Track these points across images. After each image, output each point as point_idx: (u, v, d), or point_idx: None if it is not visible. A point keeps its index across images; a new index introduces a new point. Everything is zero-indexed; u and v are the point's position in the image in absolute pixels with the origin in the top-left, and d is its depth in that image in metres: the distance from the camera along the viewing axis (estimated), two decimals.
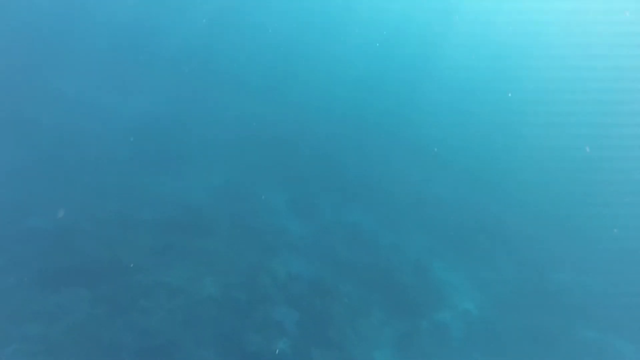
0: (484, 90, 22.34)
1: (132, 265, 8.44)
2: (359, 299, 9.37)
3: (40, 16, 18.44)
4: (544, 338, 9.30)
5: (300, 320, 7.98)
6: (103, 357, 6.57)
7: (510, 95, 20.72)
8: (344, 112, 18.72)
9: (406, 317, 9.10)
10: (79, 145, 12.88)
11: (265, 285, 8.63)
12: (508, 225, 14.03)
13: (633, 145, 17.84)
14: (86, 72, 17.38)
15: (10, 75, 15.11)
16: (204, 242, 9.78)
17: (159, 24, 21.39)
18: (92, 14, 19.92)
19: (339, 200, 13.85)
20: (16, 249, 8.26)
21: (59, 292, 7.51)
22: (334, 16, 25.92)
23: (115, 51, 18.63)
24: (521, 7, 24.82)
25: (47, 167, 11.51)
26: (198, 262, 8.98)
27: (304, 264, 10.15)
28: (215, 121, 16.23)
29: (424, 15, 25.82)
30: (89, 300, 7.50)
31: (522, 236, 13.71)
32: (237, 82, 19.33)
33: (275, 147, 15.24)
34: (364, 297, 9.51)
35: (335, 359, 7.44)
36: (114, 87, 16.63)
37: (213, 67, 20.16)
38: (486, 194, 15.50)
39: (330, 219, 12.78)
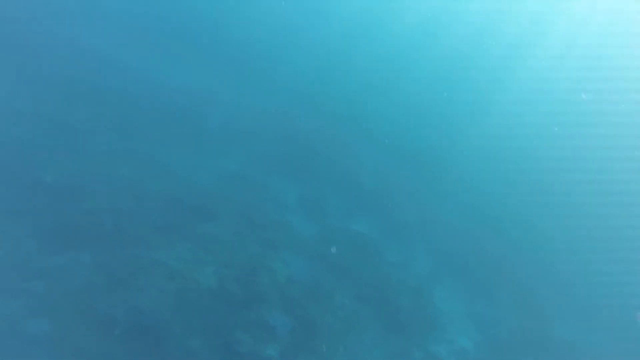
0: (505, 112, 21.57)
1: (134, 237, 8.35)
2: (354, 314, 9.14)
3: None
4: None
5: (292, 327, 7.80)
6: (97, 329, 6.51)
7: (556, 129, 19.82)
8: (369, 120, 18.41)
9: (399, 342, 8.84)
10: (100, 104, 12.83)
11: (263, 284, 8.45)
12: (513, 264, 13.64)
13: None
14: (120, 32, 17.30)
15: (38, 28, 15.08)
16: (207, 227, 9.63)
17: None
18: None
19: (349, 206, 13.59)
20: (29, 202, 8.23)
21: (62, 253, 7.46)
22: (367, 23, 25.41)
23: (155, 19, 18.60)
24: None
25: (69, 123, 11.48)
26: (199, 247, 8.84)
27: (304, 266, 9.95)
28: (239, 107, 16.07)
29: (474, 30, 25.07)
30: (89, 266, 7.41)
31: (527, 278, 13.32)
32: (268, 74, 19.17)
33: (293, 142, 15.01)
34: (359, 313, 9.27)
35: None
36: (146, 53, 16.53)
37: (248, 54, 20.02)
38: (495, 229, 15.13)
39: (338, 224, 12.54)
